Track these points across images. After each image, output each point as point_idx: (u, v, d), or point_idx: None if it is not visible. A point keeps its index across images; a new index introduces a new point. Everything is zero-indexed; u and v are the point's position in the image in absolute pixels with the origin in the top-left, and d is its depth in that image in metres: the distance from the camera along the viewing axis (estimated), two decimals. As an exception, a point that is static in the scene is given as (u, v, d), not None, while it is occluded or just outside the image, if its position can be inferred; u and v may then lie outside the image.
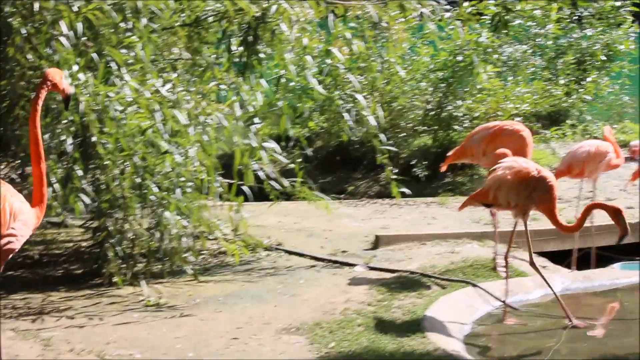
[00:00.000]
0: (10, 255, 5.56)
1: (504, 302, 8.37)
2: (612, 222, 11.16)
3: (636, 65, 18.65)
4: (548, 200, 8.24)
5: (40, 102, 5.76)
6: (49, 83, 5.82)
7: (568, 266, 10.48)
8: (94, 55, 7.61)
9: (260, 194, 9.15)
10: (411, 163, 13.52)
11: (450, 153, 10.04)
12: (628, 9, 18.23)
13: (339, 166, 14.24)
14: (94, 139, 7.50)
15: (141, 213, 8.07)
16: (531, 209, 8.32)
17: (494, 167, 8.44)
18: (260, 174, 8.67)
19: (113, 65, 7.68)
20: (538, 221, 11.40)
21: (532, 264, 8.22)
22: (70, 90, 6.05)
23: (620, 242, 8.08)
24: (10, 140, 8.42)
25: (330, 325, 7.21)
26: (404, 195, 10.67)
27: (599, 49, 17.88)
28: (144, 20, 7.93)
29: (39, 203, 5.68)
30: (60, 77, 5.88)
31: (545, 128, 15.11)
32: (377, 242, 10.00)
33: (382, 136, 9.80)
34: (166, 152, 7.67)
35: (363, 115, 10.30)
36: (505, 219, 11.35)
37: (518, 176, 8.13)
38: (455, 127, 14.00)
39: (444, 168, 10.19)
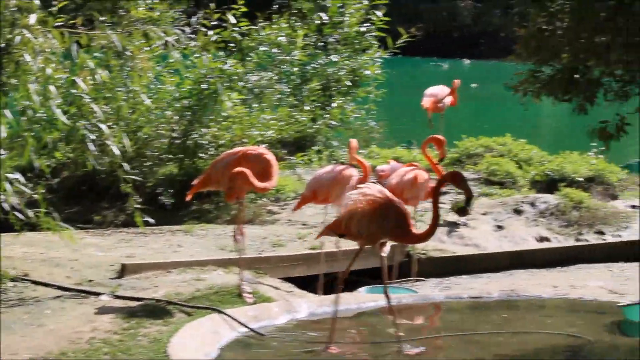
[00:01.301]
0: None
1: (250, 328, 8.91)
2: (357, 247, 12.32)
3: (383, 91, 19.72)
4: (402, 231, 8.43)
5: None
6: None
7: (315, 291, 11.27)
8: None
9: (6, 225, 9.53)
10: (157, 191, 13.93)
11: (195, 181, 10.39)
12: (373, 34, 19.19)
13: (86, 196, 14.25)
14: None
15: None
16: (384, 239, 8.59)
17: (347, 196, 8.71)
18: (5, 205, 9.03)
19: None
20: (284, 247, 12.40)
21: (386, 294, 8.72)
22: None
23: (467, 206, 8.44)
24: None
25: (76, 354, 7.71)
26: (149, 224, 11.26)
27: (344, 74, 18.70)
28: None
29: None
30: None
31: (291, 154, 15.82)
32: (123, 271, 10.30)
33: (126, 165, 10.28)
34: None
35: (107, 145, 10.89)
36: (251, 246, 12.28)
37: (370, 206, 8.38)
38: (201, 155, 14.48)
39: (189, 197, 10.50)
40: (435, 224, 8.39)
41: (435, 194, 8.46)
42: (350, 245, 12.22)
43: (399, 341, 8.78)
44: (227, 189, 9.85)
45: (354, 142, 11.52)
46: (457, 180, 8.31)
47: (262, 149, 10.34)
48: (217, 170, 10.20)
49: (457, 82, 17.06)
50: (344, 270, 8.94)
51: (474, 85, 28.79)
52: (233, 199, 10.03)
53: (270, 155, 10.22)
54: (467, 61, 30.95)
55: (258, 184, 9.87)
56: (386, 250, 8.85)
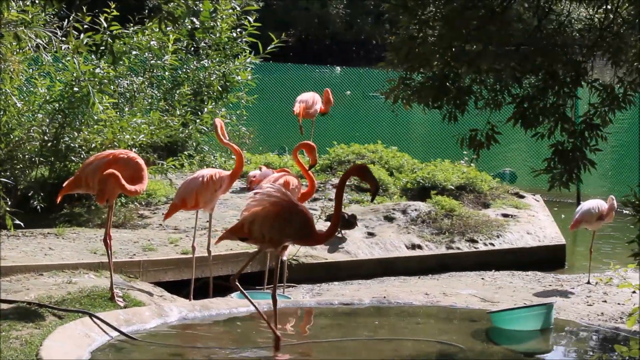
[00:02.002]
0: None
1: (121, 331, 9.08)
2: (230, 252, 12.56)
3: (254, 96, 19.86)
4: (306, 233, 8.52)
5: None
6: None
7: (186, 296, 11.45)
8: None
9: None
10: (28, 194, 13.85)
11: (65, 183, 10.45)
12: (245, 39, 19.31)
13: None
14: None
15: None
16: (286, 243, 8.67)
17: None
18: None
19: None
20: (155, 252, 12.53)
21: (273, 297, 8.87)
22: None
23: (374, 198, 8.74)
24: None
25: (-55, 358, 7.87)
26: (18, 227, 11.28)
27: (215, 79, 18.79)
28: None
29: None
30: None
31: (163, 159, 15.89)
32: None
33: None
34: None
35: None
36: (122, 250, 12.38)
37: (273, 209, 8.44)
38: (73, 158, 14.46)
39: (59, 199, 10.57)
40: (337, 222, 8.54)
41: (338, 191, 8.60)
42: (221, 250, 12.51)
43: (268, 347, 9.05)
44: (98, 191, 9.98)
45: (218, 121, 11.70)
46: (363, 172, 8.48)
47: (132, 153, 10.48)
48: (87, 172, 10.29)
49: (328, 90, 17.42)
50: (235, 272, 9.17)
51: (348, 92, 29.12)
52: (104, 202, 10.14)
53: (140, 159, 10.41)
54: (338, 68, 31.27)
55: (129, 187, 10.04)
56: (286, 253, 9.03)
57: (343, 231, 14.02)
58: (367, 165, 8.73)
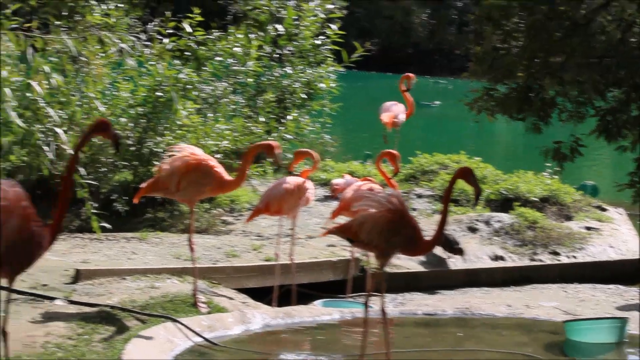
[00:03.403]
0: None
1: (204, 337, 9.03)
2: (313, 260, 12.48)
3: (337, 104, 19.77)
4: (412, 246, 8.18)
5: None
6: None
7: (269, 303, 11.31)
8: None
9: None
10: (112, 198, 13.93)
11: (144, 185, 10.22)
12: (328, 47, 19.28)
13: (41, 200, 13.75)
14: None
15: None
16: (392, 253, 8.29)
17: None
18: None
19: None
20: (238, 258, 12.47)
21: (382, 310, 8.42)
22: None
23: (476, 203, 8.43)
24: None
25: (31, 358, 7.80)
26: (104, 230, 11.28)
27: (299, 87, 18.77)
28: None
29: None
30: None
31: None
32: (78, 276, 10.36)
33: (82, 170, 10.31)
34: None
35: (63, 150, 10.92)
36: (206, 255, 12.37)
37: (385, 215, 8.04)
38: (156, 162, 13.94)
39: (136, 199, 10.36)
40: (441, 231, 8.18)
41: (446, 198, 8.25)
42: (304, 258, 12.42)
43: (350, 355, 8.98)
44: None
45: (316, 155, 11.68)
46: (469, 175, 8.17)
47: (212, 160, 10.19)
48: (165, 174, 10.06)
49: (411, 75, 17.39)
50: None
51: (437, 102, 28.98)
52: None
53: (220, 168, 10.14)
54: (433, 79, 31.15)
55: (227, 177, 9.99)
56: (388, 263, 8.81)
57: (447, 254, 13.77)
58: (470, 168, 8.37)
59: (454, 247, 13.32)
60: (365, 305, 8.64)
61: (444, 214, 8.23)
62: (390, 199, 8.15)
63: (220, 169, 10.03)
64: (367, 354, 8.89)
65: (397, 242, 8.10)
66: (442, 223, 8.18)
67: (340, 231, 8.46)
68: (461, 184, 16.45)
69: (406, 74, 16.46)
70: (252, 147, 10.47)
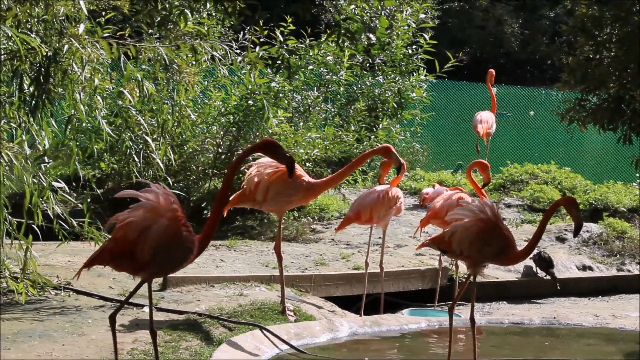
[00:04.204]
0: None
1: (291, 345, 8.90)
2: (402, 269, 12.34)
3: (428, 114, 19.71)
4: (503, 256, 8.10)
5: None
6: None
7: (357, 311, 11.27)
8: None
9: (50, 234, 9.59)
10: (202, 205, 13.85)
11: (232, 197, 10.12)
12: (420, 56, 19.22)
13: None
14: None
15: None
16: (484, 263, 8.23)
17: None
18: (49, 213, 9.12)
19: None
20: (327, 266, 12.35)
21: (471, 319, 8.24)
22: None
23: (576, 234, 8.19)
24: None
25: (118, 365, 7.80)
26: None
27: (390, 96, 18.74)
28: None
29: None
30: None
31: None
32: (166, 284, 10.33)
33: (169, 179, 10.26)
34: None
35: (152, 157, 10.89)
36: (294, 263, 12.25)
37: (476, 225, 7.97)
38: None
39: (225, 212, 10.04)
40: (533, 244, 8.12)
41: (546, 217, 8.18)
42: (393, 267, 12.26)
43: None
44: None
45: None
46: (571, 205, 8.04)
47: (300, 170, 9.98)
48: (251, 186, 9.97)
49: (491, 72, 17.43)
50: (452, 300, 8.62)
51: (531, 113, 28.64)
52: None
53: (307, 177, 9.97)
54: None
55: (314, 180, 9.89)
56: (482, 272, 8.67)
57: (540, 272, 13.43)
58: (575, 199, 8.20)
59: (549, 270, 13.05)
60: (450, 312, 8.43)
61: (540, 230, 8.12)
62: (483, 209, 8.03)
63: (306, 176, 9.88)
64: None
65: (488, 252, 8.02)
66: (537, 238, 8.10)
67: (434, 242, 8.41)
68: (550, 194, 16.39)
69: (489, 70, 17.19)
70: (366, 153, 10.39)
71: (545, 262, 13.13)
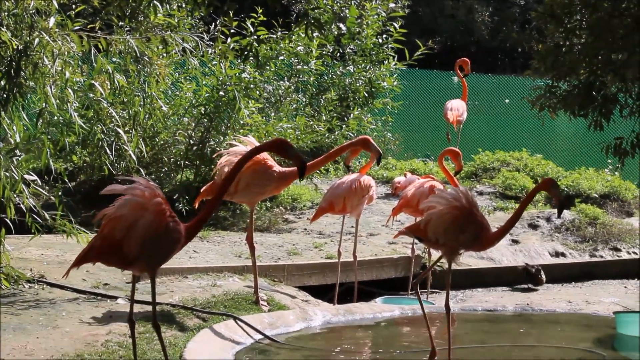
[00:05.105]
0: None
1: (265, 334, 8.91)
2: (374, 258, 12.40)
3: (399, 102, 19.71)
4: (478, 242, 8.16)
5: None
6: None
7: (330, 300, 11.31)
8: None
9: (22, 227, 9.57)
10: (174, 197, 13.79)
11: (202, 189, 10.11)
12: (390, 45, 19.19)
13: (102, 200, 14.07)
14: None
15: None
16: (459, 251, 8.26)
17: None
18: (22, 206, 9.11)
19: None
20: (300, 256, 12.39)
21: (446, 306, 8.23)
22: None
23: (560, 213, 8.33)
24: None
25: (92, 356, 7.75)
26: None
27: (361, 85, 18.71)
28: None
29: None
30: None
31: None
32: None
33: (142, 171, 10.26)
34: None
35: (125, 150, 10.89)
36: (267, 254, 12.28)
37: (450, 212, 8.01)
38: (218, 162, 14.47)
39: (196, 204, 10.15)
40: (507, 229, 8.19)
41: (524, 202, 8.34)
42: (366, 255, 12.32)
43: (411, 351, 8.90)
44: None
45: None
46: (551, 186, 8.12)
47: (270, 160, 9.97)
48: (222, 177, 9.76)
49: (466, 60, 17.52)
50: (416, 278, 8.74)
51: (507, 100, 28.78)
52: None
53: (276, 167, 9.96)
54: (455, 78, 30.82)
55: (286, 169, 9.89)
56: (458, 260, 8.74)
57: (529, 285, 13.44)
58: (554, 180, 8.29)
59: (538, 277, 13.09)
60: (416, 292, 8.56)
61: (517, 214, 8.26)
62: (458, 196, 8.08)
63: (276, 166, 9.90)
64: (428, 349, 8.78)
65: (462, 240, 8.06)
66: (512, 222, 8.21)
67: (411, 231, 8.48)
68: (522, 181, 16.50)
69: (462, 58, 17.24)
70: (344, 145, 10.42)
71: (534, 273, 13.13)
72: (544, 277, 12.93)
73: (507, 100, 28.86)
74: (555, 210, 15.36)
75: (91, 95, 10.54)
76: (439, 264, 12.73)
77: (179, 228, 6.91)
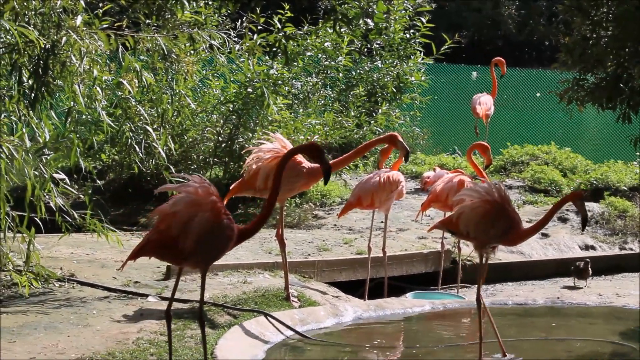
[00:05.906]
0: None
1: (296, 331, 8.90)
2: (405, 253, 12.32)
3: (427, 97, 19.69)
4: (509, 237, 8.18)
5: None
6: None
7: (361, 296, 11.27)
8: None
9: (52, 226, 9.56)
10: (203, 195, 13.71)
11: (233, 185, 10.17)
12: (418, 40, 19.15)
13: (132, 198, 14.26)
14: None
15: None
16: (490, 245, 8.27)
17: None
18: (51, 206, 9.11)
19: None
20: (330, 252, 12.33)
21: (478, 300, 8.26)
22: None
23: (584, 228, 8.45)
24: None
25: (123, 355, 7.71)
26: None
27: (389, 80, 18.71)
28: None
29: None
30: None
31: None
32: (169, 273, 10.28)
33: (171, 168, 10.24)
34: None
35: (154, 147, 10.86)
36: (297, 250, 12.23)
37: (482, 206, 8.05)
38: (247, 159, 14.43)
39: (225, 201, 9.49)
40: (538, 227, 8.27)
41: (553, 210, 8.32)
42: (396, 251, 12.24)
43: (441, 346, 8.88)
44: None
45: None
46: (578, 200, 8.25)
47: (299, 157, 9.87)
48: (253, 176, 9.91)
49: (501, 60, 17.36)
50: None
51: (538, 94, 28.60)
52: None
53: (306, 164, 9.91)
54: (474, 73, 30.61)
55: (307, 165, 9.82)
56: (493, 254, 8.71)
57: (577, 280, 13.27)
58: (583, 193, 8.50)
59: (585, 271, 12.92)
60: (477, 299, 8.47)
61: (547, 218, 8.25)
62: (490, 190, 8.09)
63: (305, 162, 9.82)
64: (461, 344, 8.85)
65: (493, 233, 8.07)
66: (543, 223, 8.26)
67: (444, 225, 8.54)
68: (551, 174, 16.41)
69: (498, 58, 17.19)
70: (372, 141, 10.41)
71: (579, 269, 12.95)
72: (590, 270, 12.75)
73: (538, 94, 28.66)
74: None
75: (119, 93, 10.55)
76: (469, 258, 12.69)
77: (233, 226, 6.98)
